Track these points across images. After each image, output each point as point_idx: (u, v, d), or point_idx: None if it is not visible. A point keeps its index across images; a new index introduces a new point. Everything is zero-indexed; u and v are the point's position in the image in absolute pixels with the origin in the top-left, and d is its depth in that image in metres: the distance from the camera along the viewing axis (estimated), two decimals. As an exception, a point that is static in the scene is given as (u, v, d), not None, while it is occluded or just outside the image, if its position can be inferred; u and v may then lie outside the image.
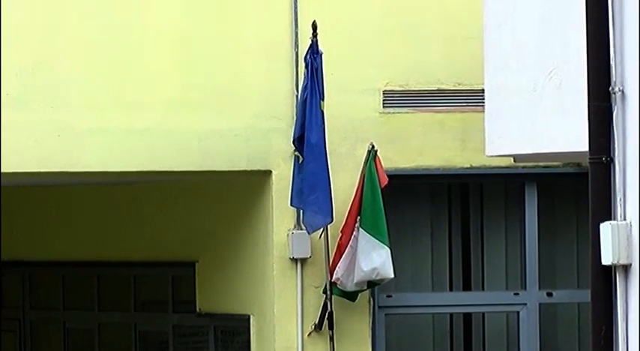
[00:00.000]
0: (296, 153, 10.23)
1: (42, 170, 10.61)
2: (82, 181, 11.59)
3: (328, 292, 10.34)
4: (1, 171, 10.47)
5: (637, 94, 7.16)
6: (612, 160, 7.15)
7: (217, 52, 10.64)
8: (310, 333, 10.40)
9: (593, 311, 7.15)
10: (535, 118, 8.19)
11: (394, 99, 10.65)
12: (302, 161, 10.20)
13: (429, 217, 10.97)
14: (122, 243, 12.22)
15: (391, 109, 10.70)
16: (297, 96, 10.35)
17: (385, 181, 10.22)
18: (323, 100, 10.18)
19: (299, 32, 10.51)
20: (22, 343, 13.58)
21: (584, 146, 7.32)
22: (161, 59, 10.68)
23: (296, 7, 10.58)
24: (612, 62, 7.24)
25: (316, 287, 10.45)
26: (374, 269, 10.19)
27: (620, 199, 7.14)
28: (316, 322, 10.40)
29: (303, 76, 10.36)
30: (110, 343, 12.79)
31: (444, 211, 11.06)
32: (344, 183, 10.36)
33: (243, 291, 11.14)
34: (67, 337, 13.20)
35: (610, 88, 7.17)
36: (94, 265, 12.55)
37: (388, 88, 10.61)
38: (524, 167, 10.06)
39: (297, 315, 10.56)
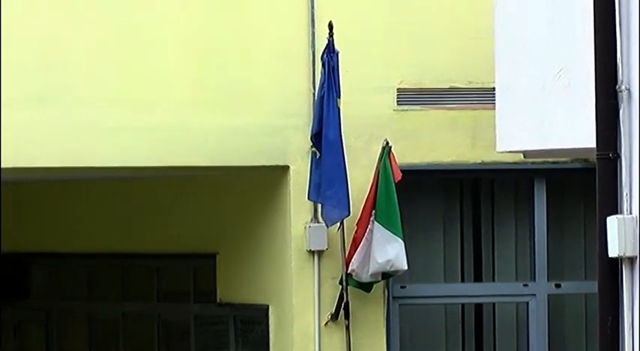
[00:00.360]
0: (313, 149, 10.20)
1: (64, 165, 10.57)
2: (103, 176, 11.50)
3: (344, 283, 10.32)
4: (25, 166, 10.44)
5: None
6: (619, 156, 7.17)
7: (236, 51, 10.56)
8: (327, 322, 10.39)
9: (599, 302, 7.19)
10: (544, 115, 8.17)
11: (408, 97, 10.58)
12: (319, 157, 10.17)
13: (442, 211, 10.91)
14: (145, 236, 12.19)
15: (405, 107, 10.64)
16: (314, 94, 10.31)
17: (399, 176, 10.21)
18: (339, 97, 10.14)
19: (315, 32, 10.43)
20: (48, 332, 13.45)
21: (591, 143, 7.34)
22: (181, 59, 10.62)
23: (313, 7, 10.51)
24: (619, 62, 7.26)
25: (332, 278, 10.41)
26: (388, 261, 10.18)
27: (627, 194, 7.18)
28: (333, 312, 10.37)
29: (319, 75, 10.27)
30: (133, 332, 12.71)
31: (456, 205, 11.00)
32: (359, 178, 10.32)
33: (262, 282, 11.08)
34: (91, 327, 13.12)
35: (617, 87, 7.20)
36: (118, 257, 12.50)
37: (402, 86, 10.57)
38: (533, 163, 10.02)
39: (314, 305, 10.52)
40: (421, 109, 10.61)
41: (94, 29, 10.62)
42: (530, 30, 8.41)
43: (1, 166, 10.30)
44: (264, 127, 10.44)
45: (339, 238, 10.39)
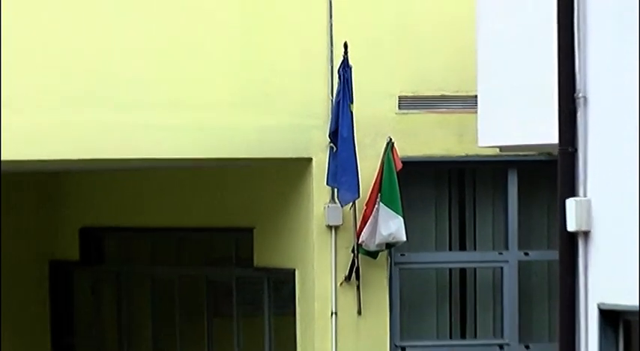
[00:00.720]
0: (331, 144, 10.19)
1: (135, 157, 10.54)
2: (164, 165, 11.48)
3: (355, 252, 10.34)
4: (106, 158, 10.39)
5: (596, 99, 7.15)
6: (576, 151, 7.19)
7: (271, 67, 10.52)
8: (342, 283, 10.40)
9: (560, 267, 7.28)
10: (517, 118, 8.23)
11: (407, 103, 10.56)
12: (336, 150, 10.17)
13: (434, 194, 10.90)
14: (197, 213, 12.16)
15: (405, 111, 10.60)
16: (332, 100, 10.31)
17: (400, 166, 10.20)
18: (352, 103, 10.13)
19: (333, 51, 10.38)
20: (118, 290, 13.47)
21: (555, 140, 7.35)
22: (229, 71, 10.57)
23: (331, 31, 10.42)
24: (577, 75, 7.26)
25: (346, 248, 10.40)
26: (390, 234, 10.20)
27: (582, 181, 7.21)
28: (346, 274, 10.40)
29: (336, 85, 10.27)
30: (187, 291, 12.70)
31: (445, 189, 10.98)
32: (368, 167, 10.29)
33: (290, 250, 11.08)
34: (153, 286, 13.14)
35: (575, 95, 7.19)
36: (174, 230, 12.51)
37: (402, 94, 10.55)
38: (507, 156, 9.95)
39: (331, 269, 10.50)
40: (418, 113, 10.59)
41: (154, 43, 10.49)
42: (507, 47, 8.39)
43: (88, 158, 10.26)
44: (293, 126, 10.44)
45: (352, 216, 10.42)
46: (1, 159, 10.33)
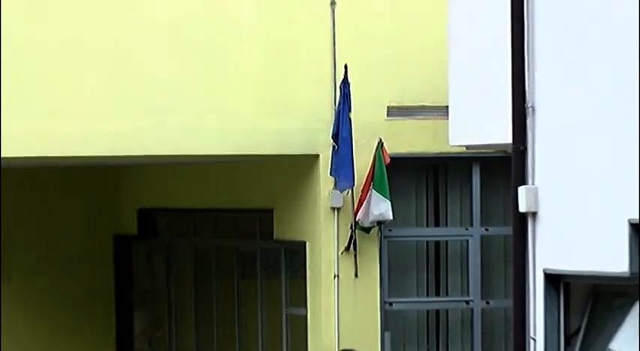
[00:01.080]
0: (333, 144, 10.13)
1: (182, 153, 10.53)
2: (203, 160, 11.37)
3: (353, 228, 10.27)
4: (159, 154, 10.39)
5: (541, 109, 7.13)
6: (526, 149, 7.16)
7: (287, 81, 10.41)
8: (342, 252, 10.37)
9: (514, 240, 7.25)
10: (480, 123, 8.13)
11: (394, 111, 10.47)
12: (337, 149, 10.11)
13: (414, 183, 10.82)
14: (229, 197, 12.01)
15: (392, 118, 10.49)
16: (334, 109, 10.25)
17: (388, 160, 10.16)
18: (350, 111, 10.08)
19: (336, 71, 10.21)
20: (168, 258, 13.30)
21: (509, 140, 7.28)
22: (254, 84, 10.45)
23: (334, 55, 10.28)
24: (527, 88, 7.21)
25: (346, 225, 10.32)
26: (380, 214, 10.15)
27: (531, 173, 7.17)
28: (346, 245, 10.35)
29: (338, 97, 10.22)
30: (221, 258, 12.54)
31: (423, 179, 10.88)
32: (363, 162, 10.20)
33: (302, 226, 10.95)
34: (196, 255, 13.00)
35: (525, 105, 7.18)
36: (211, 210, 12.39)
37: (390, 104, 10.44)
38: (472, 153, 9.88)
39: (334, 241, 10.37)
40: (402, 119, 10.49)
41: (196, 66, 10.34)
42: (472, 67, 8.23)
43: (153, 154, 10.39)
44: (303, 129, 10.36)
45: (350, 199, 10.29)
46: (89, 155, 10.31)
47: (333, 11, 10.23)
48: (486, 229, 10.24)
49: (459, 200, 10.80)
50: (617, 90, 6.59)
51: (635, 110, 6.39)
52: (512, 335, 7.15)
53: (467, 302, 10.22)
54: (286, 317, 11.15)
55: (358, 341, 10.33)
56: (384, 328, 10.39)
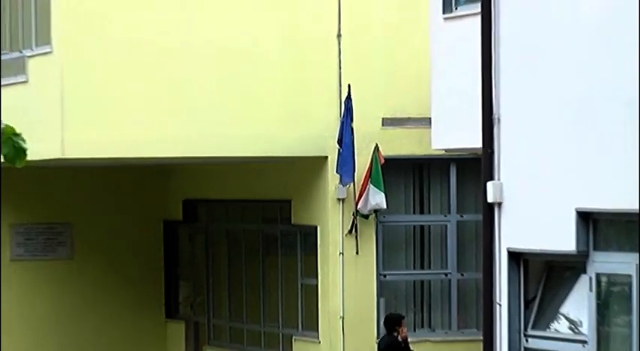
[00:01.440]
0: (338, 147, 10.11)
1: (217, 155, 10.45)
2: (232, 160, 11.26)
3: (355, 214, 10.34)
4: (202, 156, 10.29)
5: (505, 119, 7.09)
6: (493, 152, 7.16)
7: (303, 97, 10.32)
8: (346, 234, 10.40)
9: (483, 225, 7.27)
10: (456, 131, 8.12)
11: (387, 122, 10.34)
12: (341, 152, 10.07)
13: (403, 179, 10.78)
14: (256, 189, 11.78)
15: (386, 127, 10.07)
16: (340, 120, 10.15)
17: (382, 161, 10.13)
18: (352, 122, 10.07)
19: (342, 91, 10.15)
20: (207, 239, 12.97)
21: (479, 145, 7.30)
22: (276, 100, 10.47)
23: (340, 77, 10.20)
24: (494, 101, 7.18)
25: (349, 212, 10.36)
26: (377, 204, 10.13)
27: (497, 171, 7.16)
28: (349, 229, 10.37)
29: (343, 111, 10.13)
30: (249, 239, 12.35)
31: (411, 177, 10.83)
32: (362, 162, 10.11)
33: (314, 214, 10.22)
34: (228, 236, 12.71)
35: (493, 116, 7.17)
36: (241, 201, 12.24)
37: (385, 116, 10.23)
38: (450, 155, 9.83)
39: (339, 226, 10.35)
40: (394, 129, 10.30)
41: (231, 87, 10.28)
42: (449, 87, 8.20)
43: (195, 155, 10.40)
44: (316, 136, 10.14)
45: (352, 192, 10.25)
46: (154, 156, 10.31)
47: (339, 42, 10.17)
48: (461, 216, 10.18)
49: (439, 193, 10.81)
50: (565, 103, 6.57)
51: (580, 120, 6.41)
52: (482, 301, 7.14)
53: (445, 275, 10.15)
54: (301, 286, 11.06)
55: (359, 305, 10.33)
56: (379, 295, 10.36)
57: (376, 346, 9.93)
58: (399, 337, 9.52)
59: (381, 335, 9.95)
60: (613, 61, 6.24)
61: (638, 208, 5.65)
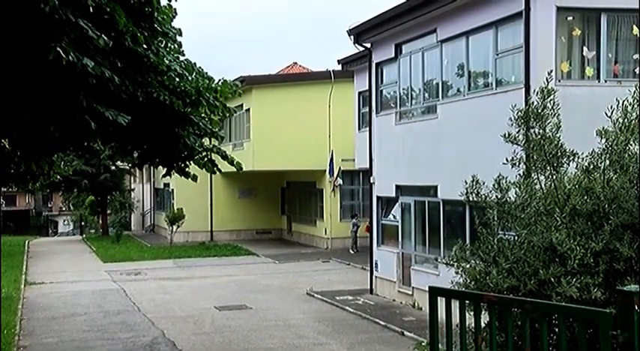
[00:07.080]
0: (327, 169, 15.24)
1: (284, 169, 15.09)
2: (278, 171, 16.62)
3: (334, 185, 15.56)
4: (282, 169, 14.97)
5: (377, 178, 9.23)
6: (372, 171, 8.40)
7: (319, 150, 16.37)
8: (331, 191, 15.63)
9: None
10: (363, 162, 11.39)
11: (346, 160, 16.21)
12: (329, 170, 15.94)
13: (349, 179, 16.79)
14: (303, 178, 19.29)
15: (344, 162, 16.89)
16: (328, 160, 16.54)
17: (341, 172, 14.95)
18: (333, 161, 16.33)
19: (330, 146, 15.81)
20: (292, 191, 20.06)
21: (367, 166, 9.40)
22: (313, 150, 16.52)
23: (330, 139, 15.00)
24: (374, 166, 9.09)
25: (336, 187, 16.82)
26: (340, 184, 15.10)
27: (374, 179, 9.22)
28: (331, 190, 15.29)
29: (329, 157, 16.50)
30: (306, 194, 19.14)
31: (349, 178, 16.19)
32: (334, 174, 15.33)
33: (323, 185, 18.80)
34: (292, 187, 19.93)
35: (370, 178, 9.35)
36: (297, 172, 18.28)
37: (344, 158, 16.83)
38: (361, 168, 12.86)
39: (330, 189, 18.25)
40: (345, 162, 16.67)
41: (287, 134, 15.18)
42: (360, 144, 11.98)
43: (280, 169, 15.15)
44: (322, 164, 17.57)
45: (333, 182, 16.79)
46: (264, 169, 15.40)
47: (330, 133, 16.39)
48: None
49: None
50: (402, 151, 8.37)
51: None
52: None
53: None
54: (319, 206, 17.76)
55: (335, 214, 16.73)
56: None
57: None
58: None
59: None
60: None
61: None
